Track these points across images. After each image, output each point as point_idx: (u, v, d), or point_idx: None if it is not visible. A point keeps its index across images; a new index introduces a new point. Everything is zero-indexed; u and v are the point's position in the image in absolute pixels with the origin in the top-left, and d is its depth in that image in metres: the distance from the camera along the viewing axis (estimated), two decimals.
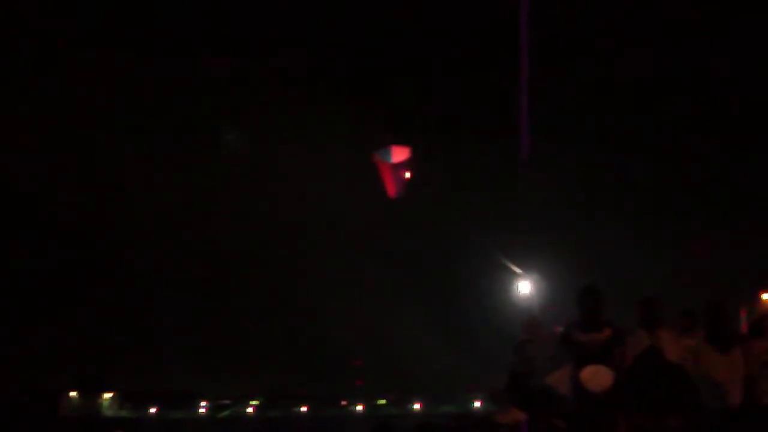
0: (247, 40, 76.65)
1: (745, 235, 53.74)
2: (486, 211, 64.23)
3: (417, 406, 76.66)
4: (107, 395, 73.75)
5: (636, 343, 6.62)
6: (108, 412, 72.33)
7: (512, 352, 8.10)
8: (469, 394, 69.88)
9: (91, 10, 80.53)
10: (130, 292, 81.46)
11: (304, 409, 78.86)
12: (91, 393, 71.50)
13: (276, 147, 75.62)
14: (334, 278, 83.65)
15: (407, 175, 17.34)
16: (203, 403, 77.63)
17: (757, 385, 6.76)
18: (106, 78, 77.60)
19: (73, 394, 70.63)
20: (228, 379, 77.40)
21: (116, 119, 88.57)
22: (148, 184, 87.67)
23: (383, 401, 78.33)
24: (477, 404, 67.82)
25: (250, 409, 78.95)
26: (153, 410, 75.53)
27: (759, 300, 24.46)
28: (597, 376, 6.35)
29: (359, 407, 77.64)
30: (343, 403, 78.80)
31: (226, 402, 78.81)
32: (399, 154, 17.36)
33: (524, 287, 19.47)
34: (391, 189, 17.26)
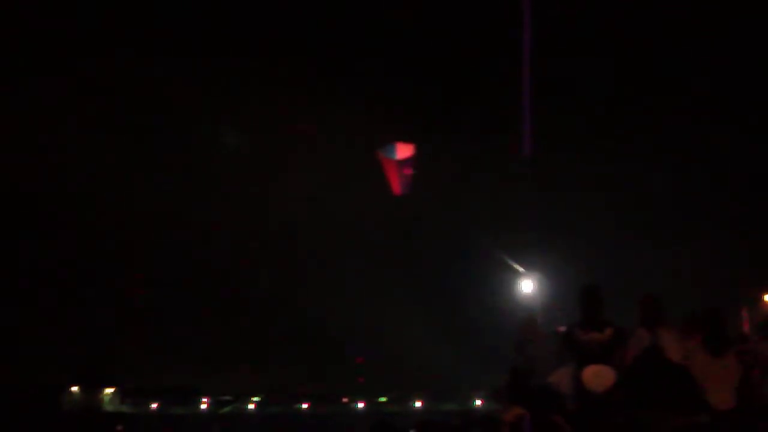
0: (247, 40, 76.68)
1: (746, 235, 53.66)
2: (487, 210, 64.16)
3: (418, 404, 76.67)
4: (108, 391, 73.85)
5: (637, 342, 6.59)
6: (109, 408, 72.41)
7: (513, 350, 8.12)
8: (470, 392, 69.89)
9: (91, 11, 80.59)
10: (132, 288, 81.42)
11: (305, 406, 78.97)
12: (92, 388, 71.56)
13: (276, 146, 75.77)
14: (335, 276, 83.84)
15: (411, 171, 17.39)
16: (204, 399, 77.76)
17: (760, 385, 6.75)
18: (106, 78, 77.57)
19: (74, 389, 70.70)
20: (229, 375, 77.58)
21: (116, 119, 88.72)
22: (148, 183, 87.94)
23: (384, 399, 78.37)
24: (478, 402, 67.83)
25: (251, 406, 79.05)
26: (154, 406, 75.66)
27: (761, 300, 24.39)
28: (598, 376, 6.37)
29: (360, 405, 77.71)
30: (344, 400, 78.89)
31: (228, 398, 78.94)
32: (403, 150, 17.42)
33: (527, 286, 19.41)
34: (396, 186, 17.30)
